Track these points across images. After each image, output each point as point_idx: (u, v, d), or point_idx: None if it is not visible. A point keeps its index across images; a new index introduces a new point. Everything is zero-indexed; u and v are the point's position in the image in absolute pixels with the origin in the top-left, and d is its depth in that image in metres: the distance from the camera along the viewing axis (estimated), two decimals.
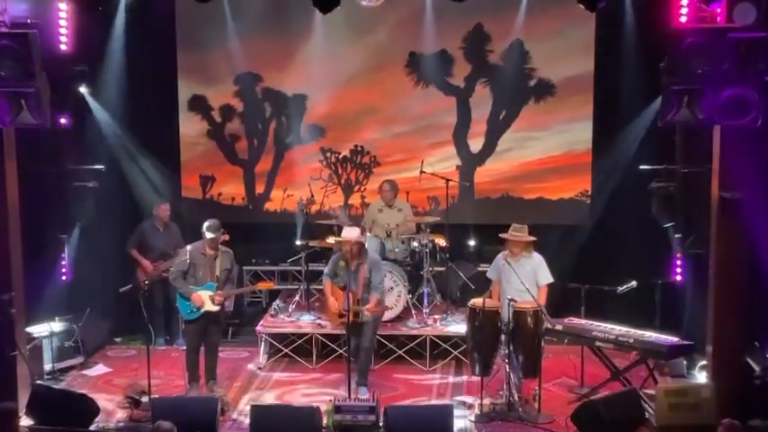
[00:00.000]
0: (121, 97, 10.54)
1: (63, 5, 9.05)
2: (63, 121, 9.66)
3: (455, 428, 7.65)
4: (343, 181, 11.72)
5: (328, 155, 11.70)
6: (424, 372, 9.46)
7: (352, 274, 8.70)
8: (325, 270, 9.06)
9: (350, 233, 8.75)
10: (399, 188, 10.47)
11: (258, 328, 9.89)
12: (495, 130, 11.45)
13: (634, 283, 9.13)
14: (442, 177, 10.40)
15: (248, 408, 7.94)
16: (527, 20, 10.88)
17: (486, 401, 8.36)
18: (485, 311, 8.24)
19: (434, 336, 9.58)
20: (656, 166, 9.84)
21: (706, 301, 8.37)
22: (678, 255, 9.83)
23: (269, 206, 11.88)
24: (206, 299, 8.60)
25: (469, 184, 11.42)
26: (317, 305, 10.48)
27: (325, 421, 7.73)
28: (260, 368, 9.63)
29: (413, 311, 10.00)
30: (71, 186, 10.01)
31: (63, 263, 10.09)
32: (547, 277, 8.58)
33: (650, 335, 8.54)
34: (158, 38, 11.07)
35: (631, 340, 8.45)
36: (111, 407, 8.40)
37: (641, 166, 9.94)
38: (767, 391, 7.86)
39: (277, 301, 10.75)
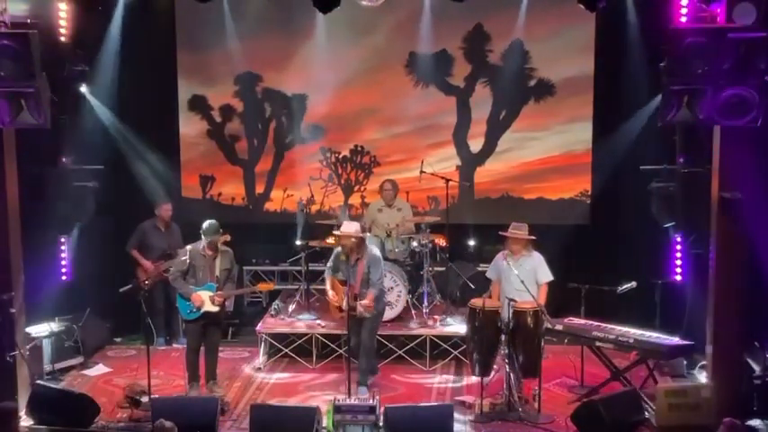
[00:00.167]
0: (121, 97, 10.54)
1: (63, 5, 9.05)
2: (63, 120, 9.66)
3: (455, 428, 7.65)
4: (343, 181, 11.72)
5: (328, 155, 11.70)
6: (424, 372, 9.46)
7: (351, 269, 8.70)
8: (328, 264, 9.06)
9: (348, 228, 8.75)
10: (399, 188, 10.47)
11: (258, 328, 9.89)
12: (494, 131, 11.45)
13: (634, 283, 9.14)
14: (442, 177, 10.39)
15: (248, 408, 7.94)
16: (527, 20, 10.88)
17: (486, 401, 8.36)
18: (485, 311, 8.24)
19: (434, 336, 9.58)
20: (656, 166, 9.85)
21: (706, 301, 8.37)
22: (678, 255, 9.84)
23: (269, 206, 11.88)
24: (206, 299, 8.60)
25: (469, 184, 11.42)
26: (317, 305, 10.49)
27: (325, 421, 7.73)
28: (260, 368, 9.63)
29: (413, 311, 10.01)
30: (71, 186, 10.01)
31: (63, 263, 10.09)
32: (547, 276, 8.58)
33: (650, 335, 8.55)
34: (158, 38, 11.07)
35: (631, 340, 8.46)
36: (111, 407, 8.38)
37: (641, 167, 9.94)
38: (767, 391, 7.87)
39: (277, 302, 10.75)
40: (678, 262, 9.86)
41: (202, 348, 8.82)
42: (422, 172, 10.45)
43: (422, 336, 9.57)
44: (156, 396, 8.25)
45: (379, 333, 9.13)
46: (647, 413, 8.04)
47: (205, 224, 8.66)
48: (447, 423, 7.55)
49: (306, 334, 9.70)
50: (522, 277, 8.32)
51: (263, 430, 7.50)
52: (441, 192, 10.80)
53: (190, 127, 11.70)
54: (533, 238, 8.63)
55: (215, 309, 8.66)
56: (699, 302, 8.69)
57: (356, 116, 11.57)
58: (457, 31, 11.20)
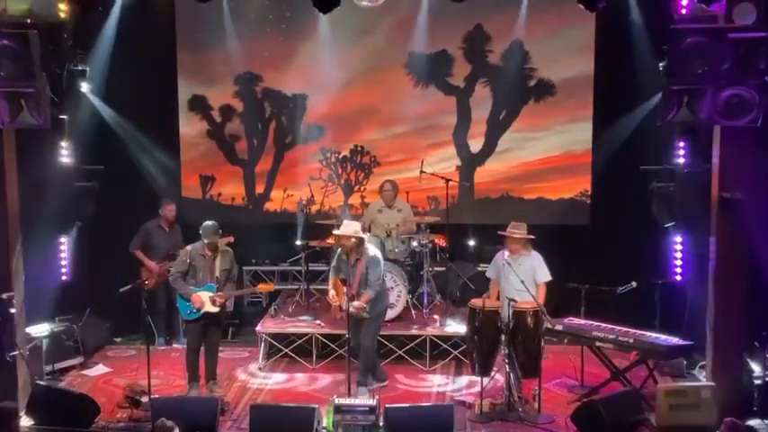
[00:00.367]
0: (121, 97, 10.54)
1: (63, 5, 9.03)
2: (63, 120, 9.66)
3: (455, 428, 7.65)
4: (343, 181, 11.72)
5: (328, 155, 11.70)
6: (424, 372, 9.46)
7: (351, 269, 8.70)
8: (332, 263, 9.07)
9: (347, 228, 8.74)
10: (399, 188, 10.47)
11: (258, 328, 9.88)
12: (494, 131, 11.44)
13: (634, 283, 9.13)
14: (442, 177, 10.39)
15: (248, 408, 7.93)
16: (527, 20, 10.88)
17: (486, 401, 8.36)
18: (485, 311, 8.24)
19: (434, 336, 9.58)
20: (656, 167, 9.85)
21: (706, 301, 8.37)
22: (678, 255, 9.84)
23: (269, 206, 11.88)
24: (206, 300, 8.60)
25: (469, 184, 11.42)
26: (318, 305, 10.49)
27: (325, 421, 7.73)
28: (260, 368, 9.63)
29: (413, 311, 10.00)
30: (71, 186, 10.02)
31: (63, 263, 10.10)
32: (545, 275, 8.58)
33: (650, 335, 8.55)
34: (158, 38, 11.07)
35: (631, 340, 8.46)
36: (111, 407, 8.38)
37: (641, 167, 9.94)
38: (767, 391, 7.88)
39: (277, 302, 10.75)
40: (678, 262, 9.87)
41: (202, 348, 8.82)
42: (422, 172, 10.44)
43: (422, 336, 9.56)
44: (156, 396, 8.25)
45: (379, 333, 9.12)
46: (647, 413, 8.03)
47: (204, 225, 8.66)
48: (447, 423, 7.55)
49: (306, 334, 9.70)
50: (521, 277, 8.32)
51: (263, 430, 7.50)
52: (441, 192, 10.80)
53: (190, 127, 11.70)
54: (532, 237, 8.63)
55: (215, 309, 8.66)
56: (699, 302, 8.70)
57: (356, 116, 11.57)
58: (457, 31, 11.20)
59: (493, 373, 8.61)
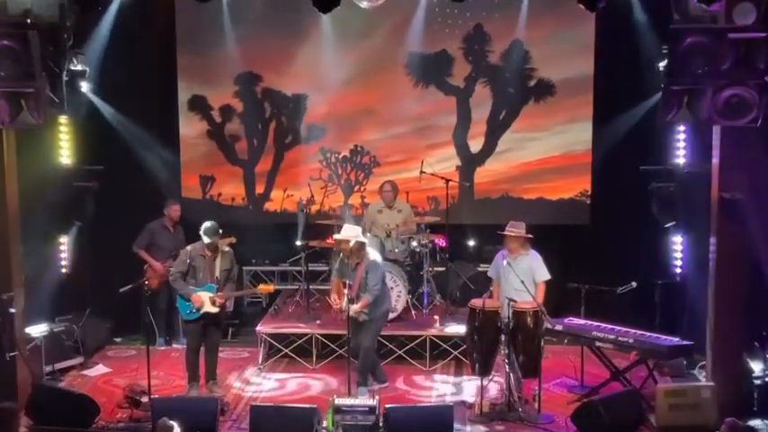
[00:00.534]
0: (121, 97, 10.53)
1: (63, 5, 9.02)
2: (63, 120, 9.67)
3: (455, 428, 7.65)
4: (342, 181, 11.72)
5: (328, 155, 11.70)
6: (424, 372, 9.46)
7: (352, 273, 8.70)
8: (335, 265, 9.07)
9: (347, 232, 8.74)
10: (399, 189, 10.47)
11: (258, 328, 9.88)
12: (494, 131, 11.44)
13: (634, 283, 9.12)
14: (442, 178, 10.39)
15: (248, 408, 7.93)
16: (527, 20, 10.88)
17: (486, 401, 8.36)
18: (485, 312, 8.24)
19: (434, 336, 9.58)
20: (656, 167, 9.85)
21: (706, 301, 8.37)
22: (678, 255, 9.84)
23: (269, 206, 11.87)
24: (206, 300, 8.60)
25: (469, 184, 11.42)
26: (318, 305, 10.49)
27: (325, 421, 7.73)
28: (260, 368, 9.63)
29: (413, 311, 10.00)
30: (71, 186, 10.01)
31: (62, 263, 10.10)
32: (543, 275, 8.58)
33: (650, 335, 8.55)
34: (158, 38, 11.07)
35: (631, 340, 8.46)
36: (111, 407, 8.38)
37: (641, 167, 9.93)
38: (767, 391, 7.88)
39: (277, 302, 10.74)
40: (678, 262, 9.87)
41: (202, 348, 8.82)
42: (422, 172, 10.45)
43: (422, 336, 9.56)
44: (156, 396, 8.25)
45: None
46: (646, 413, 8.03)
47: (204, 225, 8.65)
48: (447, 423, 7.55)
49: (306, 334, 9.70)
50: (521, 277, 8.32)
51: (262, 430, 7.51)
52: (441, 192, 10.81)
53: (190, 127, 11.69)
54: (530, 236, 8.63)
55: (215, 310, 8.66)
56: (699, 302, 8.70)
57: (356, 116, 11.57)
58: (457, 31, 11.20)
59: (493, 374, 8.61)
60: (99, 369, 9.67)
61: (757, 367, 8.05)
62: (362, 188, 11.70)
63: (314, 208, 11.61)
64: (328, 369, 9.50)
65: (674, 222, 9.76)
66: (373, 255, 8.80)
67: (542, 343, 8.35)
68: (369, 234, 9.93)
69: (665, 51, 7.48)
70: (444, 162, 11.40)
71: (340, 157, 11.69)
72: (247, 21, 11.18)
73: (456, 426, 7.71)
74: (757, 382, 7.98)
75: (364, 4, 9.41)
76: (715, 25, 7.37)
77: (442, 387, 9.12)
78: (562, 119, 11.27)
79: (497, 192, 11.53)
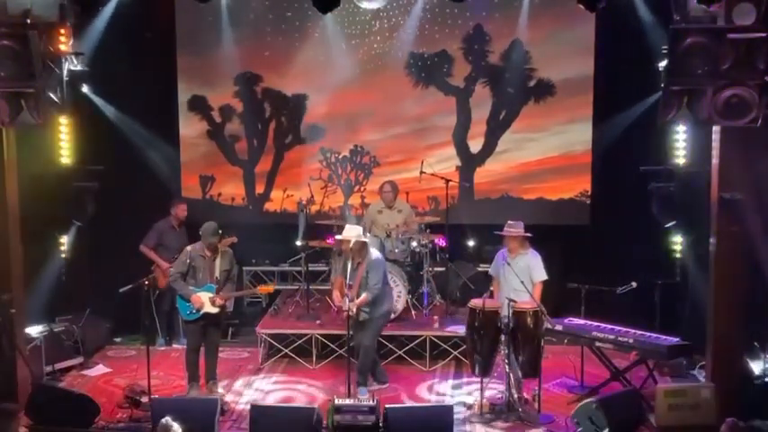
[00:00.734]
0: (121, 97, 10.54)
1: (63, 5, 9.03)
2: (63, 120, 9.67)
3: (455, 428, 7.65)
4: (342, 181, 11.72)
5: (328, 155, 11.70)
6: (424, 372, 9.46)
7: (353, 272, 8.70)
8: (338, 265, 9.09)
9: (349, 232, 8.74)
10: (399, 189, 10.47)
11: (258, 328, 9.88)
12: (494, 131, 11.44)
13: (634, 283, 9.12)
14: (442, 178, 10.39)
15: (248, 408, 7.94)
16: (527, 20, 10.90)
17: (486, 401, 8.36)
18: (485, 312, 8.24)
19: (434, 336, 9.58)
20: (656, 167, 9.84)
21: (706, 302, 8.37)
22: (678, 255, 9.84)
23: (269, 206, 11.88)
24: (205, 300, 8.59)
25: (469, 184, 11.42)
26: (318, 305, 10.49)
27: (325, 421, 7.72)
28: (260, 368, 9.63)
29: (413, 311, 10.01)
30: (71, 186, 10.01)
31: (62, 263, 10.09)
32: (541, 275, 8.58)
33: (650, 335, 8.54)
34: (158, 38, 11.07)
35: (631, 340, 8.45)
36: (111, 407, 8.38)
37: (641, 167, 9.94)
38: (767, 391, 7.88)
39: (277, 302, 10.75)
40: (678, 262, 9.86)
41: (202, 349, 8.82)
42: (422, 172, 10.45)
43: (422, 336, 9.56)
44: (156, 396, 8.25)
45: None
46: (647, 413, 8.03)
47: (204, 226, 8.65)
48: (447, 423, 7.54)
49: (306, 334, 9.70)
50: (520, 276, 8.32)
51: (262, 430, 7.50)
52: (440, 192, 10.81)
53: (190, 127, 11.69)
54: (529, 235, 8.63)
55: (215, 310, 8.65)
56: (699, 303, 8.70)
57: (356, 116, 11.56)
58: (457, 31, 11.20)
59: (493, 374, 8.61)
60: (99, 369, 9.67)
61: (757, 367, 8.06)
62: (362, 188, 11.70)
63: (314, 208, 11.60)
64: (328, 369, 9.50)
65: (674, 222, 9.77)
66: (375, 254, 8.81)
67: (542, 343, 8.35)
68: (369, 234, 9.93)
69: (664, 51, 7.49)
70: (444, 162, 11.41)
71: (340, 157, 11.69)
72: (247, 21, 11.20)
73: (456, 426, 7.70)
74: (757, 382, 7.98)
75: (364, 4, 9.43)
76: (715, 25, 7.37)
77: (441, 387, 9.12)
78: (562, 119, 11.27)
79: (497, 192, 11.53)
